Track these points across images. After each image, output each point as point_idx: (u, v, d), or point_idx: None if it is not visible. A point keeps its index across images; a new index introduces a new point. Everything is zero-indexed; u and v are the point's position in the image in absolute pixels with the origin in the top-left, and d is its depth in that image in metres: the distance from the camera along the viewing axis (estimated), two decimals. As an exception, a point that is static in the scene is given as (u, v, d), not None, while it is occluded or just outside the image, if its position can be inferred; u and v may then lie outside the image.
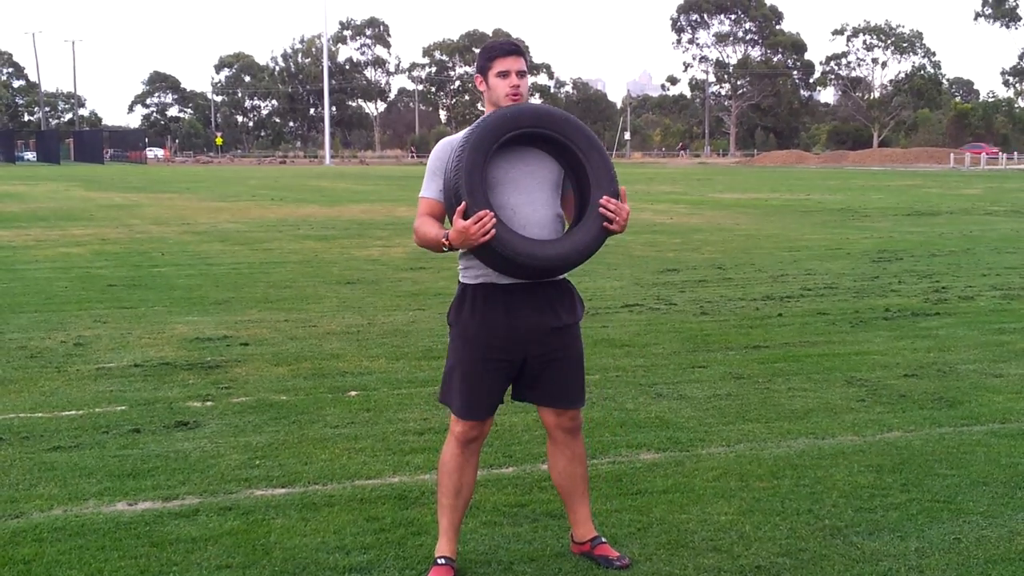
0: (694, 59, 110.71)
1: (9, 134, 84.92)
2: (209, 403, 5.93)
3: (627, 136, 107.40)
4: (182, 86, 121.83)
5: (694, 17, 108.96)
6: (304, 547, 3.83)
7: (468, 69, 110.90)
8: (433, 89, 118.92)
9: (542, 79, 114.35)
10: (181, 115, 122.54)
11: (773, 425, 5.46)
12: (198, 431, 5.34)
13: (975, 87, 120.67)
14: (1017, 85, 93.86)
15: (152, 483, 4.52)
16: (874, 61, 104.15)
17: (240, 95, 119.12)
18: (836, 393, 6.15)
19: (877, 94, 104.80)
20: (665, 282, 11.14)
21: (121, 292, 10.41)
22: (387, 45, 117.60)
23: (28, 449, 5.03)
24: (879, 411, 5.74)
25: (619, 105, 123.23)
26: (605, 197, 3.44)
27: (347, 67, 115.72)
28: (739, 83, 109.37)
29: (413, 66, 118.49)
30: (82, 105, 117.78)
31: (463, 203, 3.29)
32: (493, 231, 3.27)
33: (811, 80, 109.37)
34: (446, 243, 3.37)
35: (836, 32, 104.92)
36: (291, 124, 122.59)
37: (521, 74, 3.48)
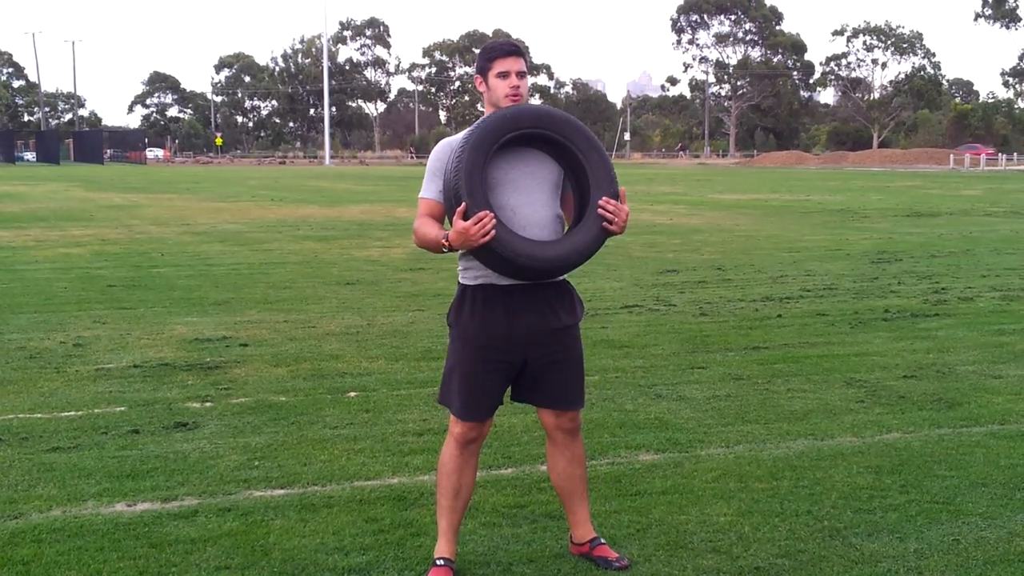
0: (694, 60, 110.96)
1: (9, 134, 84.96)
2: (208, 404, 5.92)
3: (627, 137, 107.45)
4: (182, 86, 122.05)
5: (694, 18, 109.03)
6: (303, 548, 3.83)
7: (468, 70, 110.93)
8: (433, 90, 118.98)
9: (542, 80, 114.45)
10: (181, 115, 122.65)
11: (772, 426, 5.46)
12: (197, 432, 5.34)
13: (975, 88, 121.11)
14: (1017, 86, 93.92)
15: (151, 484, 4.52)
16: (874, 62, 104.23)
17: (240, 95, 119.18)
18: (835, 394, 6.15)
19: (877, 95, 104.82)
20: (664, 283, 11.14)
21: (121, 293, 10.41)
22: (387, 45, 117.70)
23: (27, 450, 5.02)
24: (878, 412, 5.74)
25: (619, 106, 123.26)
26: (605, 198, 3.44)
27: (347, 67, 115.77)
28: (739, 84, 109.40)
29: (413, 66, 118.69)
30: (82, 105, 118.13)
31: (463, 204, 3.29)
32: (493, 232, 3.27)
33: (811, 81, 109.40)
34: (446, 244, 3.37)
35: (836, 33, 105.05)
36: (291, 124, 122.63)
37: (521, 75, 3.48)
